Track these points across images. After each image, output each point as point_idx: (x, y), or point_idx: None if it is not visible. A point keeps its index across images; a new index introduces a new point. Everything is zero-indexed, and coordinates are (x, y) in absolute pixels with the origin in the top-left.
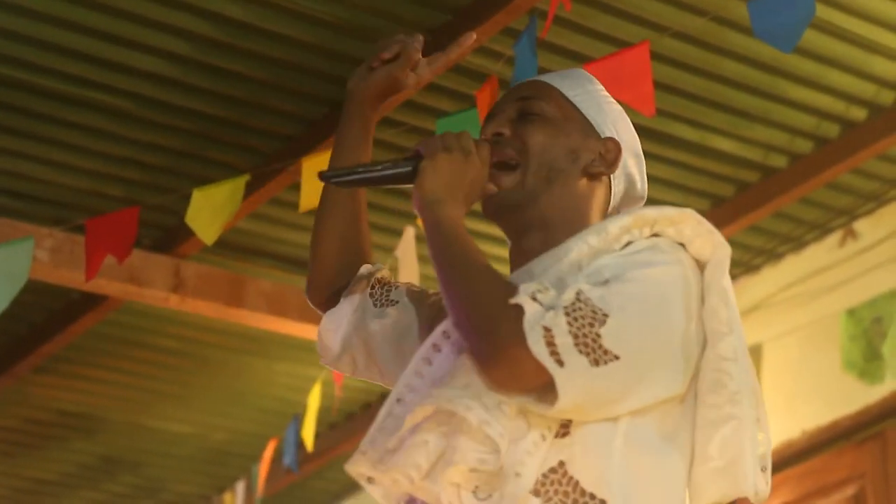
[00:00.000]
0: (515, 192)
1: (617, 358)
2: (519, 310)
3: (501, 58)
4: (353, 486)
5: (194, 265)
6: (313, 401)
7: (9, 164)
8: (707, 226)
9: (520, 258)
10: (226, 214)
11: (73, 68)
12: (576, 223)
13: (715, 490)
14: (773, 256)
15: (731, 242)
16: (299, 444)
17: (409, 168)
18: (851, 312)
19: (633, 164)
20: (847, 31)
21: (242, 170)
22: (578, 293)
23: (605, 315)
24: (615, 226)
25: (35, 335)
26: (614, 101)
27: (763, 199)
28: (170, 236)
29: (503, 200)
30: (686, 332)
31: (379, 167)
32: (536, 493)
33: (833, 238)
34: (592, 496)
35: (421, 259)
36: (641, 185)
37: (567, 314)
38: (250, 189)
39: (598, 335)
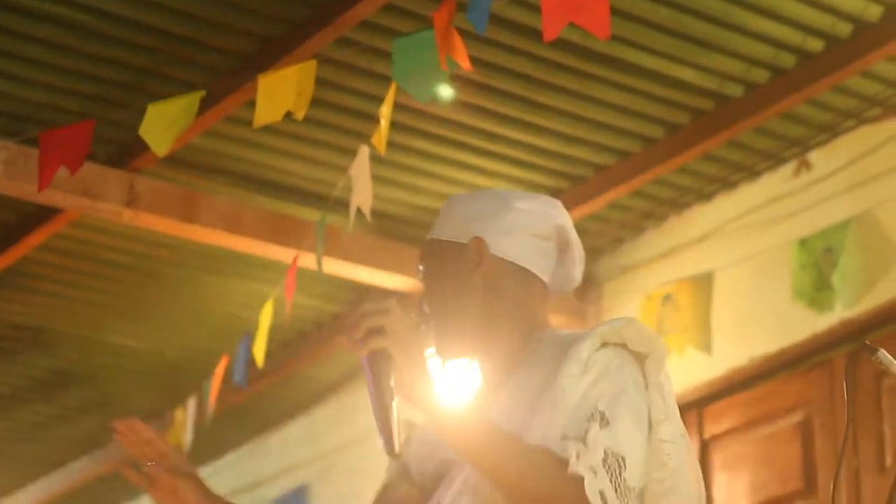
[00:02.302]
0: (444, 347)
1: (634, 489)
2: (579, 479)
3: None
4: (303, 405)
5: (149, 180)
6: (265, 318)
7: None
8: (648, 332)
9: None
10: (179, 128)
11: None
12: (506, 324)
13: None
14: (726, 185)
15: (686, 170)
16: (250, 361)
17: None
18: (803, 242)
19: (524, 232)
20: None
21: (199, 86)
22: (605, 450)
23: (624, 458)
24: (585, 352)
25: None
26: (488, 199)
27: (718, 128)
28: (125, 151)
29: (445, 356)
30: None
31: (376, 404)
32: None
33: (787, 168)
34: None
35: (374, 178)
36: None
37: (607, 471)
38: (206, 106)
39: (625, 479)
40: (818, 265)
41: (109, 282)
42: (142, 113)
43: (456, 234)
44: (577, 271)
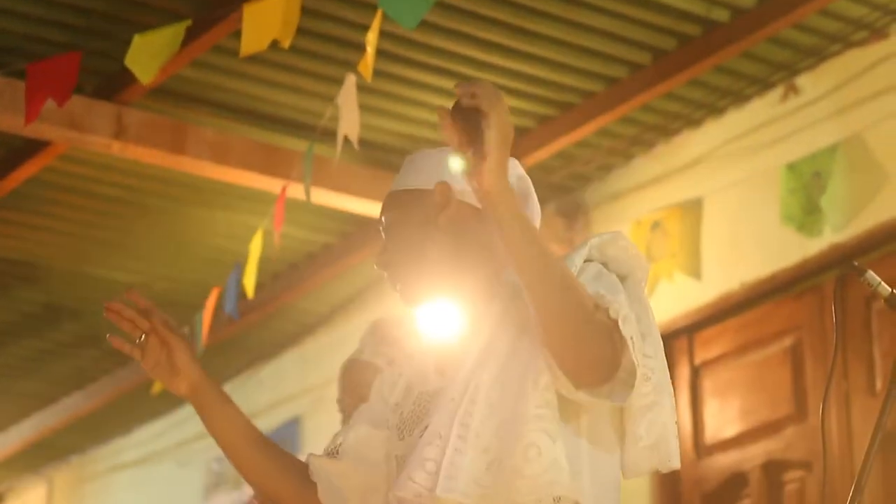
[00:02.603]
0: (411, 293)
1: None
2: (615, 324)
3: None
4: (295, 336)
5: (137, 112)
6: (254, 249)
7: None
8: (630, 252)
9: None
10: (165, 57)
11: None
12: (473, 266)
13: (646, 465)
14: (714, 110)
15: (673, 96)
16: (241, 292)
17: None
18: (791, 167)
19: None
20: None
21: (185, 16)
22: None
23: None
24: (579, 258)
25: None
26: (451, 151)
27: (705, 53)
28: (112, 83)
29: (413, 302)
30: None
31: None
32: None
33: (775, 93)
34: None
35: (362, 107)
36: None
37: (632, 331)
38: (192, 36)
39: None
40: (807, 189)
41: (99, 215)
42: (128, 44)
43: (420, 182)
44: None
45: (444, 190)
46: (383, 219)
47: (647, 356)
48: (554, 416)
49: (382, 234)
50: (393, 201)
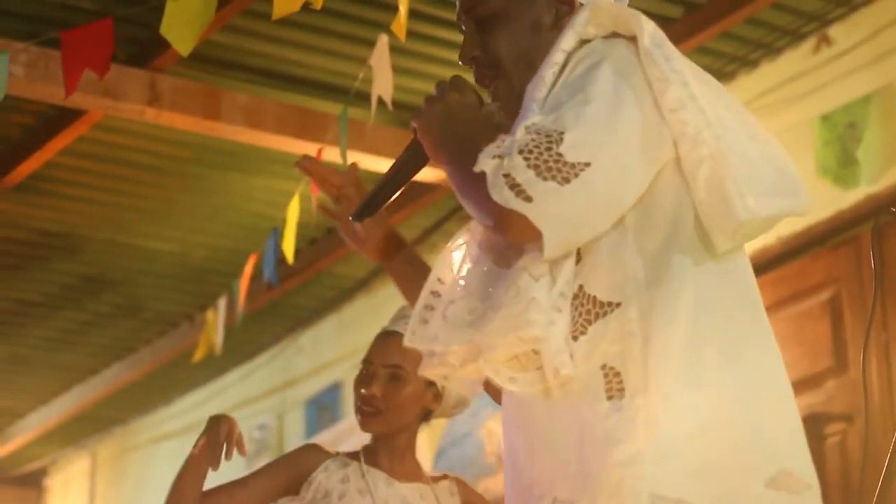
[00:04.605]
0: (509, 99)
1: (588, 164)
2: (482, 175)
3: None
4: (334, 301)
5: (170, 79)
6: (292, 214)
7: None
8: (622, 10)
9: None
10: (200, 24)
11: None
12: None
13: (719, 225)
14: (747, 63)
15: (704, 49)
16: (280, 258)
17: (414, 149)
18: (826, 118)
19: None
20: None
21: None
22: (528, 127)
23: (561, 132)
24: (559, 56)
25: (13, 153)
26: None
27: (737, 5)
28: (145, 50)
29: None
30: (645, 105)
31: (391, 173)
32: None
33: (807, 44)
34: (609, 304)
35: (394, 68)
36: None
37: (521, 151)
38: (223, 0)
39: (560, 154)
40: (842, 140)
41: (134, 184)
42: (159, 10)
43: None
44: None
45: None
46: (477, 4)
47: (672, 110)
48: (538, 255)
49: (470, 19)
50: None
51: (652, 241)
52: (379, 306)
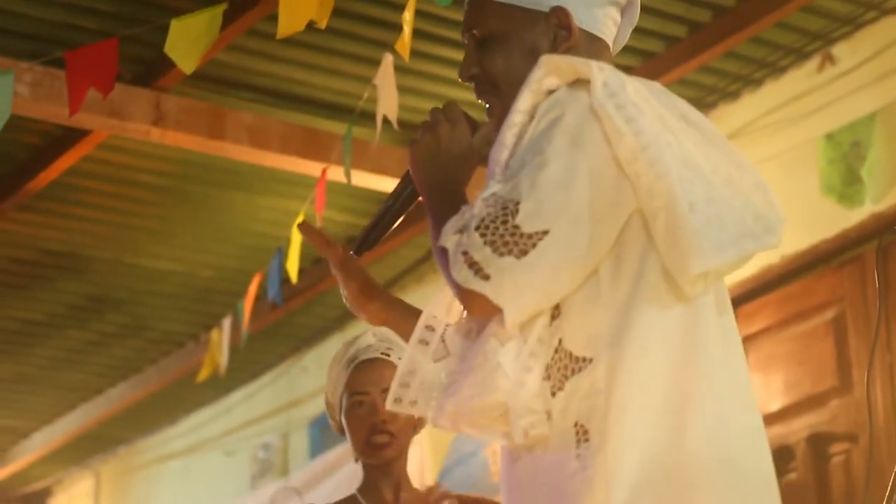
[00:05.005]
0: (503, 119)
1: (546, 232)
2: (445, 251)
3: None
4: (338, 321)
5: (175, 98)
6: (296, 234)
7: None
8: (569, 59)
9: None
10: (204, 43)
11: None
12: None
13: (679, 275)
14: (751, 82)
15: (709, 69)
16: (284, 278)
17: (410, 180)
18: (830, 137)
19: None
20: None
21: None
22: (485, 199)
23: (517, 202)
24: (518, 118)
25: (18, 173)
26: None
27: (740, 24)
28: (149, 70)
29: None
30: (601, 160)
31: (388, 204)
32: (547, 377)
33: (811, 63)
34: (584, 359)
35: (399, 88)
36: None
37: (478, 227)
38: (228, 19)
39: (516, 226)
40: (846, 159)
41: (139, 204)
42: (163, 30)
43: (532, 1)
44: (627, 35)
45: (565, 16)
46: (475, 31)
47: (627, 162)
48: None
49: (470, 41)
50: (498, 10)
51: (619, 292)
52: None
